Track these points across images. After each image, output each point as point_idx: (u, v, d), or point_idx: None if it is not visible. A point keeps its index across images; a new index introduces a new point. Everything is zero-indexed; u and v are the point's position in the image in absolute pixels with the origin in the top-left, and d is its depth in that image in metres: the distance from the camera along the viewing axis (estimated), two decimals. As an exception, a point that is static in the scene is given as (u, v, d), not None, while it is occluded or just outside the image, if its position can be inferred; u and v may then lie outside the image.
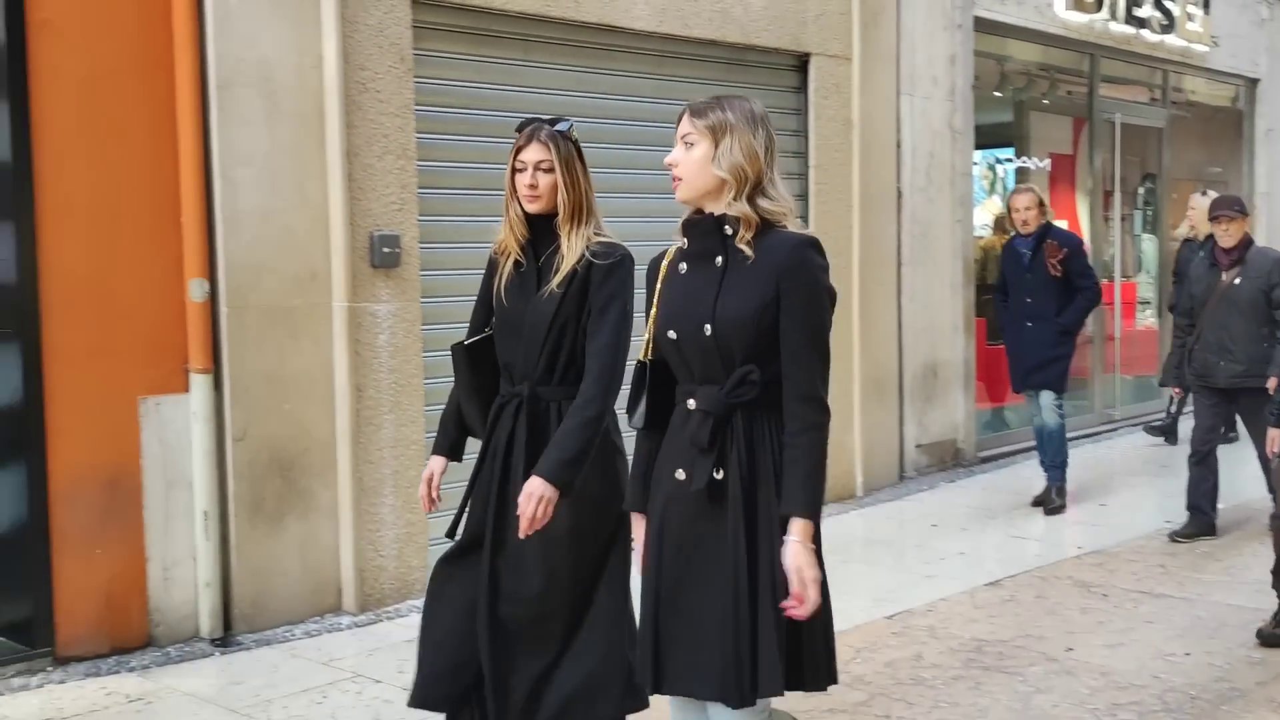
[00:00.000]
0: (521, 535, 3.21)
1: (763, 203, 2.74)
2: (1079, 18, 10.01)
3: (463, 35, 6.13)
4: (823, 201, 7.82)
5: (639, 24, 6.77)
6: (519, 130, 3.43)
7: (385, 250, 5.62)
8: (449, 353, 3.63)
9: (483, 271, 3.71)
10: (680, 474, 2.80)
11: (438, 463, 3.64)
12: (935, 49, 8.70)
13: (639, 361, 2.94)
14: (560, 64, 6.53)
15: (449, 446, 3.66)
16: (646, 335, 2.90)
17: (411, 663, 4.93)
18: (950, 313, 8.83)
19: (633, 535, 3.13)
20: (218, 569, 5.24)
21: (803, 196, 7.77)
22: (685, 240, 2.85)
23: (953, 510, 7.69)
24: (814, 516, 2.71)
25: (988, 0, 9.15)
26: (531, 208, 3.39)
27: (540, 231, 3.42)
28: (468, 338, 3.60)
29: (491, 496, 3.43)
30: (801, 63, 7.76)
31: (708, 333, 2.73)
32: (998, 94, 10.20)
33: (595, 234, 3.39)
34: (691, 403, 2.79)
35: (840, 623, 5.33)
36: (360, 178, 5.57)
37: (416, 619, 5.51)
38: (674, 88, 6.99)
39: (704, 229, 2.79)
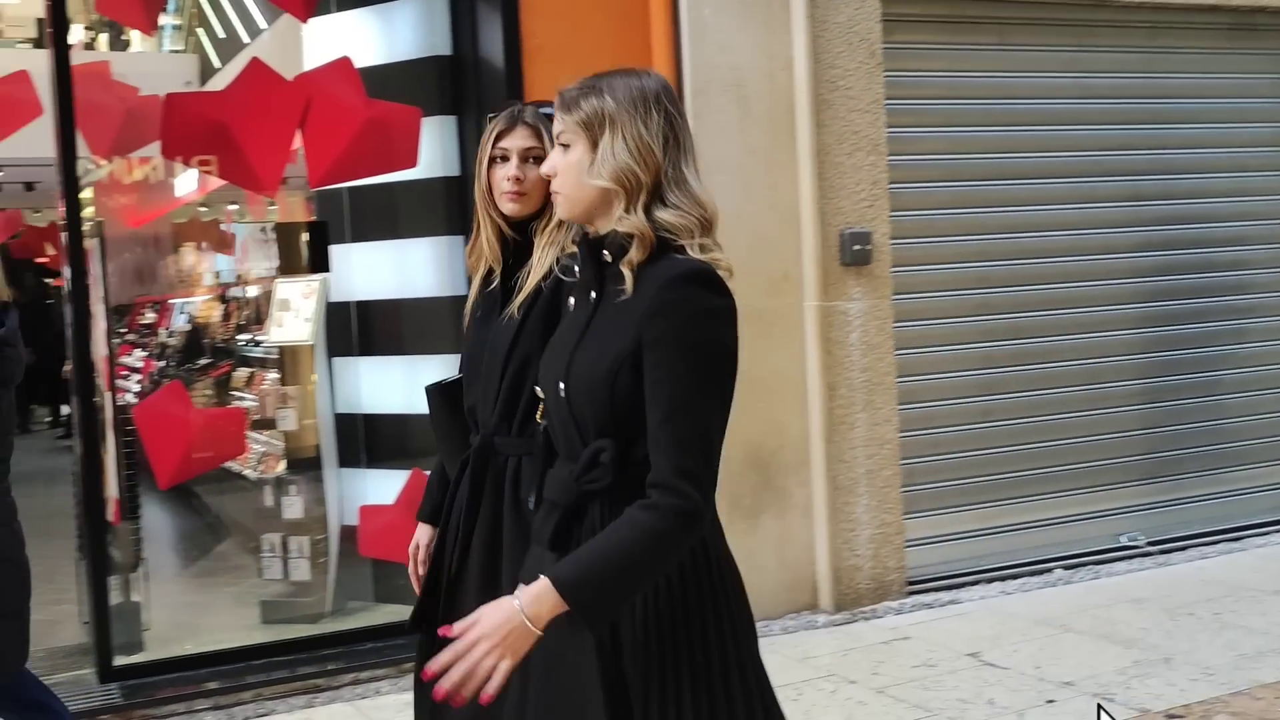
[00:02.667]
0: None
1: (661, 214, 2.01)
2: None
3: (934, 24, 5.98)
4: (1353, 182, 6.95)
5: (1127, -6, 6.32)
6: (491, 117, 2.73)
7: (856, 248, 5.58)
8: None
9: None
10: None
11: (423, 532, 2.90)
12: None
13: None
14: (1040, 45, 6.21)
15: (431, 511, 2.89)
16: None
17: (887, 665, 4.91)
18: None
19: None
20: (699, 562, 5.40)
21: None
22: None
23: None
24: (585, 606, 1.86)
25: None
26: (512, 208, 2.64)
27: (520, 243, 2.68)
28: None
29: (444, 583, 2.71)
30: (1324, 21, 6.93)
31: (562, 394, 2.06)
32: None
33: (575, 243, 2.58)
34: None
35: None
36: (830, 176, 5.56)
37: (893, 620, 5.50)
38: (1168, 60, 6.50)
39: (582, 254, 2.11)
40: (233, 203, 11.95)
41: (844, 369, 5.61)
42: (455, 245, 5.52)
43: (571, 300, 2.18)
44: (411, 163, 5.25)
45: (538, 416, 2.28)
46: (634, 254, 1.99)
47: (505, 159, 2.67)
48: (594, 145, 2.03)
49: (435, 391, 2.85)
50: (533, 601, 1.85)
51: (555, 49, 5.25)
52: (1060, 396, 6.25)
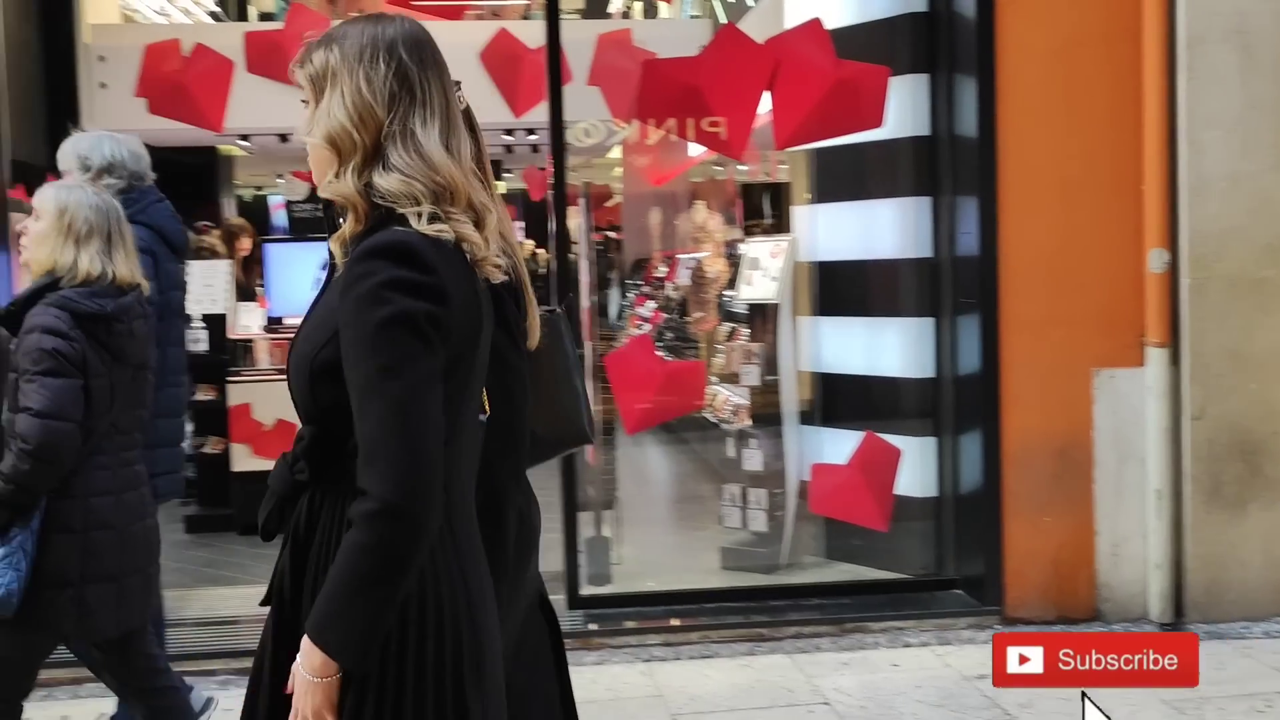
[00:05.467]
0: None
1: (380, 179, 1.78)
2: None
3: None
4: None
5: None
6: None
7: (1380, 213, 4.91)
8: None
9: None
10: None
11: None
12: None
13: None
14: None
15: None
16: None
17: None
18: None
19: None
20: (1169, 551, 5.01)
21: None
22: None
23: None
24: (331, 647, 1.73)
25: None
26: None
27: None
28: None
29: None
30: None
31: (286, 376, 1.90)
32: None
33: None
34: None
35: None
36: (1348, 131, 4.92)
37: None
38: None
39: (326, 223, 1.93)
40: (741, 164, 12.38)
41: (1358, 350, 4.96)
42: (922, 207, 5.42)
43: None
44: (877, 123, 5.20)
45: None
46: (347, 225, 1.83)
47: None
48: (319, 102, 1.86)
49: None
50: (304, 657, 1.77)
51: (1034, 1, 5.00)
52: None
